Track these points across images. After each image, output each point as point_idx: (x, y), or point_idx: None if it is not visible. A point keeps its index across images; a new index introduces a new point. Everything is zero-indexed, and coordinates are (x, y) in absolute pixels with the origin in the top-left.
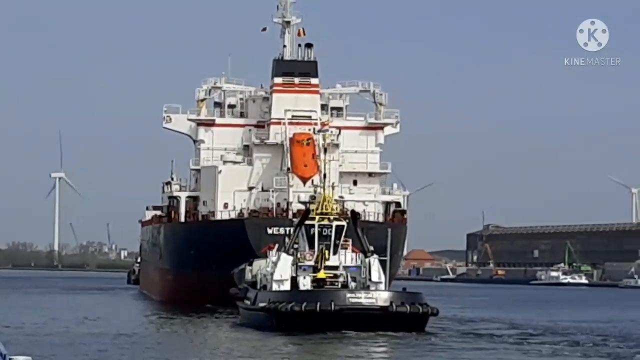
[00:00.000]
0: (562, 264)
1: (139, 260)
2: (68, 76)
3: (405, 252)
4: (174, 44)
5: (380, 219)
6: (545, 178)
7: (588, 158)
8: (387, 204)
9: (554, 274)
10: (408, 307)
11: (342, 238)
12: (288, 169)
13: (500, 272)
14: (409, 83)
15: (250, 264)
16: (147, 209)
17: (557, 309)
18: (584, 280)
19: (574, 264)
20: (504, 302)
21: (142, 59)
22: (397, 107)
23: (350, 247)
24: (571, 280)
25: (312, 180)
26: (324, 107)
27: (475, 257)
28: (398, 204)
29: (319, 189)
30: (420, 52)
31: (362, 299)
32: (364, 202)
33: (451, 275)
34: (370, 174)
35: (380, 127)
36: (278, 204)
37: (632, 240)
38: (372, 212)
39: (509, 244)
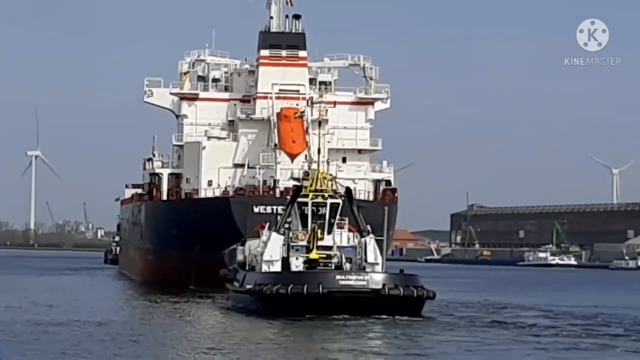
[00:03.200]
0: (550, 245)
1: (116, 239)
2: (44, 51)
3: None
4: (155, 14)
5: (371, 198)
6: (528, 159)
7: (571, 139)
8: (377, 182)
9: (542, 255)
10: (402, 290)
11: (338, 217)
12: (275, 145)
13: (485, 252)
14: (399, 59)
15: (243, 244)
16: (126, 187)
17: (560, 291)
18: (572, 262)
19: (562, 245)
20: (499, 284)
21: (121, 31)
22: (387, 82)
23: (346, 227)
24: (560, 262)
25: (306, 156)
26: (312, 81)
27: (459, 238)
28: (388, 182)
29: (313, 165)
30: (415, 38)
31: (353, 281)
32: (353, 180)
33: (436, 256)
34: (359, 151)
35: (371, 102)
36: (264, 182)
37: (619, 221)
38: (362, 190)
39: (493, 224)
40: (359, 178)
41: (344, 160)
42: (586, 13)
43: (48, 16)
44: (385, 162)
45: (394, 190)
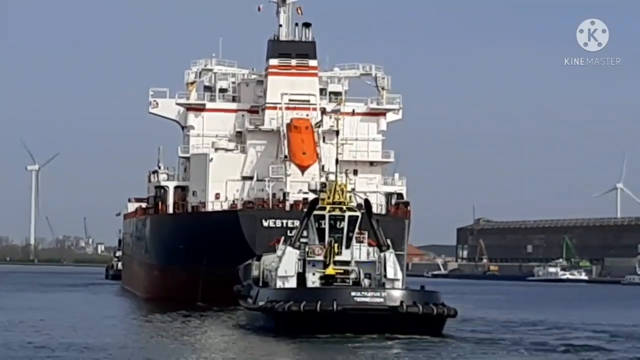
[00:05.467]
0: (560, 260)
1: (117, 254)
2: (45, 61)
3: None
4: (161, 23)
5: (383, 211)
6: (534, 172)
7: (577, 153)
8: (388, 195)
9: (552, 269)
10: (421, 308)
11: (357, 230)
12: (285, 156)
13: (492, 267)
14: (409, 69)
15: (259, 259)
16: (129, 200)
17: (583, 308)
18: (583, 277)
19: (573, 260)
20: (519, 300)
21: (125, 39)
22: (399, 93)
23: (366, 240)
24: (570, 277)
25: (323, 168)
26: (322, 91)
27: (465, 253)
28: (400, 195)
29: (330, 176)
30: (421, 46)
31: (369, 298)
32: (364, 193)
33: (443, 271)
34: (371, 163)
35: (383, 113)
36: (274, 195)
37: (630, 235)
38: (374, 203)
39: (500, 238)
40: (370, 191)
41: (355, 172)
42: (586, 13)
43: (55, 27)
44: (397, 175)
45: (406, 204)
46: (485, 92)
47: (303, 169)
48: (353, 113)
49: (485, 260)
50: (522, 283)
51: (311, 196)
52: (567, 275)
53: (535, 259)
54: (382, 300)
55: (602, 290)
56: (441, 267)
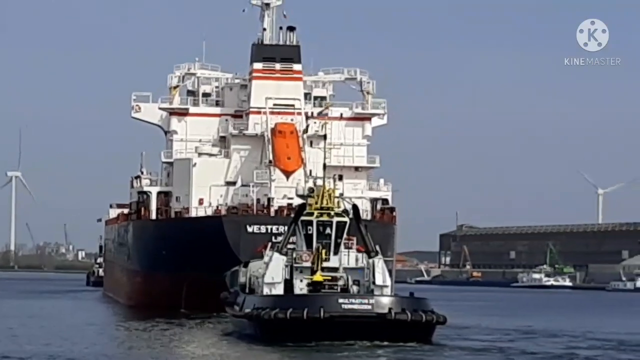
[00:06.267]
0: (544, 266)
1: (98, 260)
2: (27, 64)
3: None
4: (143, 26)
5: (369, 217)
6: (519, 177)
7: (563, 155)
8: (374, 201)
9: (536, 276)
10: (409, 315)
11: (345, 236)
12: (270, 161)
13: (475, 274)
14: (394, 74)
15: (246, 266)
16: (110, 206)
17: (585, 315)
18: (567, 283)
19: (556, 266)
20: (509, 307)
21: (107, 43)
22: (384, 98)
23: (354, 247)
24: (555, 283)
25: (310, 172)
26: (306, 95)
27: (448, 259)
28: (385, 201)
29: (318, 181)
30: (413, 47)
31: (357, 304)
32: (350, 198)
33: (426, 277)
34: (356, 168)
35: (368, 117)
36: (258, 200)
37: (613, 241)
38: (360, 209)
39: (483, 244)
40: (356, 197)
41: (340, 177)
42: (586, 13)
43: (29, 30)
44: (382, 180)
45: (392, 210)
46: (475, 97)
47: (288, 174)
48: (341, 117)
49: (468, 267)
50: (507, 289)
51: (296, 202)
52: (552, 282)
53: (518, 265)
54: (370, 307)
55: (588, 296)
56: (424, 273)
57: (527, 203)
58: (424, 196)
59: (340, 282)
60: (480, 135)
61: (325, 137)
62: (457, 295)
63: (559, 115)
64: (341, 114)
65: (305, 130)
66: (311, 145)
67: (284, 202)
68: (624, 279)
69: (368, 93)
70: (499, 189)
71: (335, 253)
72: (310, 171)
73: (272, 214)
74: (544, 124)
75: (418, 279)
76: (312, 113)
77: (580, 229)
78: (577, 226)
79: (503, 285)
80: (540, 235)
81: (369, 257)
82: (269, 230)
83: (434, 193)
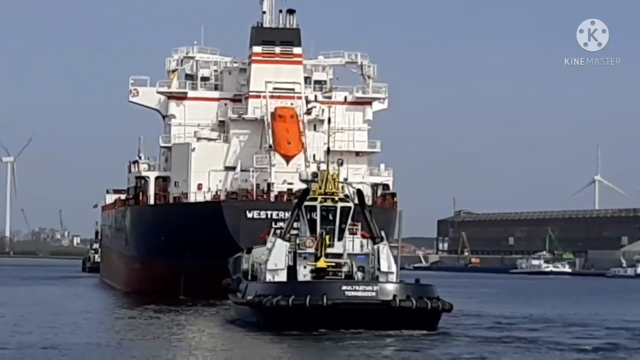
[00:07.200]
0: (543, 252)
1: (94, 246)
2: (23, 49)
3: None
4: (141, 9)
5: (369, 202)
6: (518, 163)
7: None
8: (374, 186)
9: (535, 262)
10: (414, 302)
11: (350, 221)
12: (269, 146)
13: (474, 260)
14: (396, 59)
15: (249, 252)
16: (107, 192)
17: (594, 302)
18: (567, 269)
19: (556, 252)
20: (515, 294)
21: (104, 26)
22: (385, 82)
23: (359, 232)
24: (554, 269)
25: (314, 157)
26: (306, 79)
27: (446, 245)
28: (386, 186)
29: (322, 165)
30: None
31: (361, 291)
32: (351, 184)
33: (424, 264)
34: (357, 154)
35: (369, 102)
36: (258, 185)
37: (612, 227)
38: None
39: (482, 231)
40: (356, 182)
41: (341, 162)
42: (586, 13)
43: (26, 16)
44: (382, 166)
45: (393, 195)
46: (476, 90)
47: (288, 158)
48: (345, 100)
49: (467, 253)
50: (506, 275)
51: (296, 186)
52: (551, 268)
53: (517, 252)
54: (374, 294)
55: (590, 282)
56: (422, 259)
57: (527, 188)
58: (422, 182)
59: (345, 269)
60: (479, 122)
61: (329, 120)
62: (457, 282)
63: (559, 115)
64: (345, 97)
65: (309, 113)
66: (315, 129)
67: (284, 188)
68: (624, 265)
69: (369, 77)
70: (497, 175)
71: (340, 239)
72: (314, 155)
73: (272, 199)
74: (544, 123)
75: (416, 265)
76: (315, 97)
77: (579, 215)
78: (576, 212)
79: (502, 272)
80: (539, 222)
81: (374, 243)
82: (269, 216)
83: (432, 179)
